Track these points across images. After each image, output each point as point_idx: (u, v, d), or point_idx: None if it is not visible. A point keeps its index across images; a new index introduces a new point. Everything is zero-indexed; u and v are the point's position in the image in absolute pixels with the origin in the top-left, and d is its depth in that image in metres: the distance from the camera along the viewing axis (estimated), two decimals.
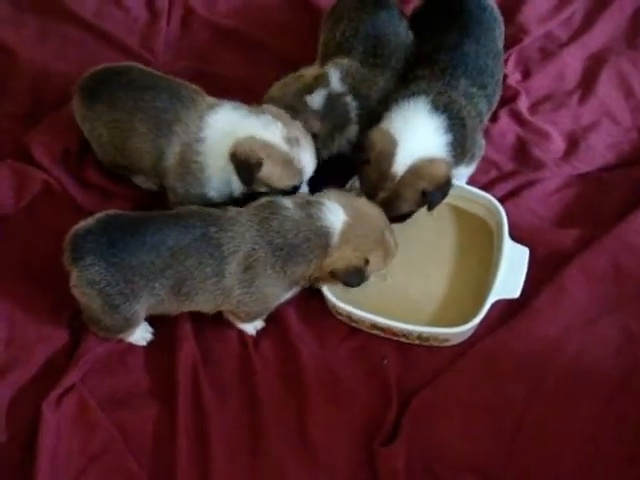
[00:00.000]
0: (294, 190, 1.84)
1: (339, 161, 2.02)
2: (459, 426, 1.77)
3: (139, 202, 2.04)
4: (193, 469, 1.72)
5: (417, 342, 1.85)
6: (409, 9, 2.29)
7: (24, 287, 1.92)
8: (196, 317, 1.86)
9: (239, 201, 1.84)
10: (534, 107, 2.29)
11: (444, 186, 1.82)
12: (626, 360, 1.83)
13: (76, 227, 1.67)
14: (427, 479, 1.72)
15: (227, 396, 1.81)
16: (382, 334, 1.87)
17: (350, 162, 1.94)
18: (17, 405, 1.77)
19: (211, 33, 2.49)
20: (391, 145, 1.80)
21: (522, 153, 2.20)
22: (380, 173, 1.81)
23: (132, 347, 1.87)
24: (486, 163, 2.13)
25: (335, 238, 1.68)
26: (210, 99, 1.90)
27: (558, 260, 1.97)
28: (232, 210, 1.74)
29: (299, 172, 1.82)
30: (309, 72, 2.00)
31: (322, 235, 1.68)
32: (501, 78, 2.10)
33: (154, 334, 1.89)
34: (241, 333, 1.89)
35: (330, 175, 1.94)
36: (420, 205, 1.86)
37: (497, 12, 2.12)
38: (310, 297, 1.90)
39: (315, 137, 1.89)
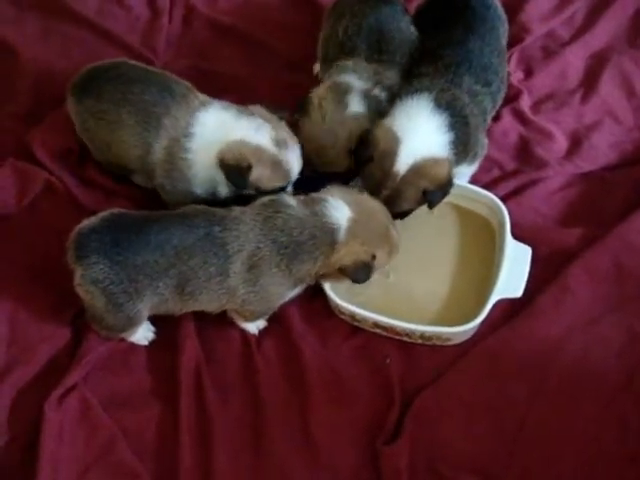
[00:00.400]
0: (280, 190, 1.84)
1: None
2: (462, 425, 1.76)
3: (141, 201, 2.04)
4: (196, 469, 1.71)
5: (420, 341, 1.85)
6: (413, 6, 2.28)
7: (26, 286, 1.91)
8: (198, 316, 1.85)
9: (243, 200, 1.84)
10: (536, 106, 2.29)
11: (445, 186, 1.82)
12: (629, 360, 1.83)
13: (80, 226, 1.67)
14: (430, 478, 1.71)
15: (230, 396, 1.81)
16: (385, 333, 1.86)
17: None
18: (19, 405, 1.76)
19: (212, 31, 2.49)
20: (394, 143, 1.80)
21: (524, 152, 2.20)
22: (383, 171, 1.81)
23: (134, 346, 1.87)
24: (488, 162, 2.13)
25: (341, 234, 1.69)
26: (202, 96, 1.90)
27: (561, 259, 1.96)
28: (236, 209, 1.73)
29: (287, 173, 1.83)
30: (320, 91, 1.95)
31: (328, 231, 1.68)
32: (505, 76, 2.10)
33: (156, 333, 1.89)
34: (244, 332, 1.89)
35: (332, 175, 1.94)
36: (421, 204, 1.86)
37: (501, 10, 2.12)
38: (313, 297, 1.90)
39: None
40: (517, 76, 2.33)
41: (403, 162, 1.80)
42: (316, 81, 2.14)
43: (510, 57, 2.34)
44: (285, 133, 1.84)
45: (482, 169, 2.09)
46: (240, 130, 1.80)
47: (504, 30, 2.13)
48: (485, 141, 2.02)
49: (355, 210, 1.71)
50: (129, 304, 1.67)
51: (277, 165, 1.80)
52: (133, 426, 1.77)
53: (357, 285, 1.74)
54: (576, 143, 2.22)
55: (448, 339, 1.84)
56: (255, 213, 1.72)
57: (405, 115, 1.84)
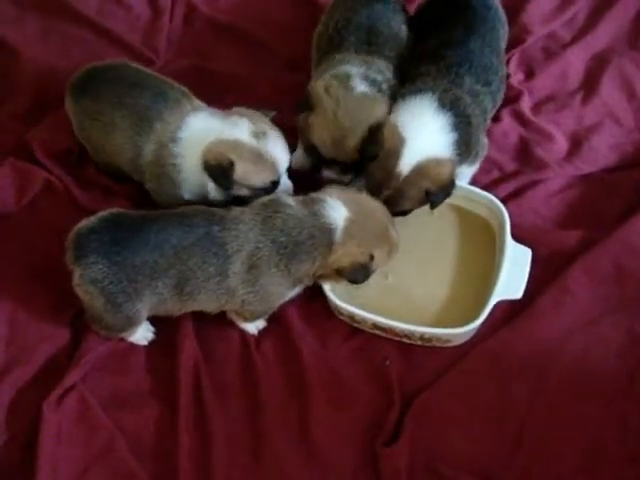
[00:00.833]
0: (274, 186, 1.83)
1: None
2: (462, 426, 1.76)
3: (140, 201, 2.03)
4: (195, 469, 1.72)
5: (419, 343, 1.85)
6: (414, 6, 2.28)
7: (25, 286, 1.91)
8: (198, 317, 1.85)
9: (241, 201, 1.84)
10: (537, 107, 2.29)
11: (447, 187, 1.82)
12: (629, 361, 1.83)
13: (79, 225, 1.67)
14: (429, 479, 1.71)
15: (229, 396, 1.81)
16: (384, 335, 1.86)
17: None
18: (18, 404, 1.76)
19: (213, 30, 2.49)
20: (399, 143, 1.80)
21: (525, 153, 2.20)
22: (386, 170, 1.81)
23: (134, 347, 1.86)
24: (489, 163, 2.13)
25: (338, 234, 1.68)
26: (197, 102, 1.90)
27: (561, 261, 1.96)
28: (236, 209, 1.73)
29: (272, 165, 1.81)
30: (321, 82, 1.91)
31: (325, 232, 1.68)
32: (505, 75, 2.09)
33: (156, 333, 1.89)
34: (243, 333, 1.89)
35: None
36: (422, 204, 1.87)
37: (502, 12, 2.12)
38: (312, 297, 1.89)
39: None
40: (518, 77, 2.33)
41: (407, 162, 1.80)
42: None
43: (511, 58, 2.34)
44: (265, 125, 1.82)
45: (482, 170, 2.09)
46: (218, 130, 1.79)
47: (504, 32, 2.13)
48: (485, 141, 2.02)
49: (353, 210, 1.70)
50: (128, 304, 1.67)
51: (259, 157, 1.78)
52: (132, 426, 1.77)
53: (356, 286, 1.74)
54: (576, 144, 2.22)
55: (448, 340, 1.84)
56: (254, 213, 1.71)
57: (409, 114, 1.84)
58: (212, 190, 1.84)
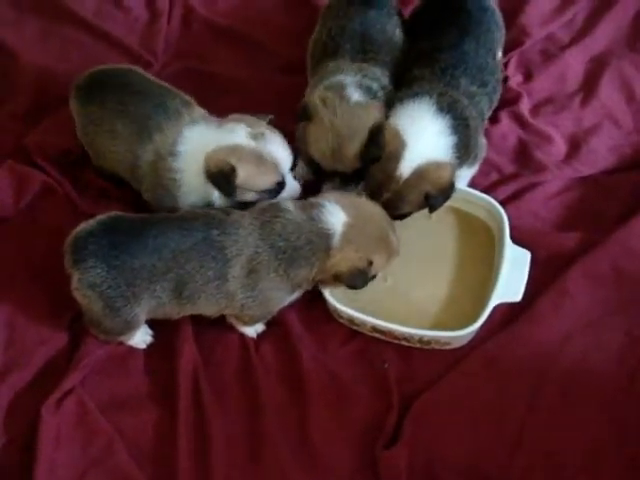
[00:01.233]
0: (279, 187, 1.82)
1: None
2: (461, 429, 1.76)
3: (139, 204, 2.03)
4: (193, 472, 1.71)
5: (418, 345, 1.85)
6: (409, 9, 2.28)
7: (24, 289, 1.91)
8: (197, 320, 1.85)
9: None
10: (536, 109, 2.29)
11: (447, 190, 1.82)
12: (628, 363, 1.83)
13: (77, 229, 1.67)
14: None
15: (228, 399, 1.81)
16: (383, 337, 1.86)
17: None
18: (16, 407, 1.76)
19: (211, 33, 2.49)
20: (400, 146, 1.80)
21: (523, 156, 2.20)
22: (386, 173, 1.81)
23: (132, 350, 1.86)
24: (487, 165, 2.13)
25: (336, 239, 1.68)
26: (197, 112, 1.88)
27: (560, 263, 1.96)
28: (235, 213, 1.73)
29: (274, 166, 1.79)
30: (317, 93, 1.91)
31: (323, 237, 1.68)
32: (500, 76, 2.09)
33: (154, 337, 1.88)
34: (242, 336, 1.88)
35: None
36: (422, 207, 1.86)
37: (498, 16, 2.11)
38: (311, 301, 1.89)
39: None
40: (516, 79, 2.33)
41: (407, 165, 1.80)
42: None
43: (509, 60, 2.34)
44: (262, 127, 1.81)
45: (481, 173, 2.09)
46: (215, 138, 1.78)
47: (500, 36, 2.12)
48: (484, 142, 2.02)
49: (352, 215, 1.69)
50: (126, 308, 1.67)
51: (260, 159, 1.77)
52: (131, 430, 1.77)
53: (355, 289, 1.73)
54: (575, 147, 2.22)
55: (447, 343, 1.84)
56: (253, 217, 1.71)
57: (409, 118, 1.84)
58: (217, 199, 1.82)
